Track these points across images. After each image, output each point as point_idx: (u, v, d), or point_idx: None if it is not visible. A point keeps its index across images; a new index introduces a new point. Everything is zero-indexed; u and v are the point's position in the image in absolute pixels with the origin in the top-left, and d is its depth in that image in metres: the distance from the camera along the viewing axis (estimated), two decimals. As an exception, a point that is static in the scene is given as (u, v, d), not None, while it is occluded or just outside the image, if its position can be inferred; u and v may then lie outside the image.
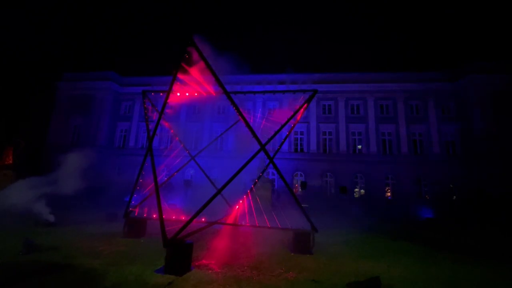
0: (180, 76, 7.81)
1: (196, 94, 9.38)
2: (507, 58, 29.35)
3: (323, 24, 66.34)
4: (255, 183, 11.31)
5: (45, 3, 57.81)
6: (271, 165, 8.52)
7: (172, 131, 12.21)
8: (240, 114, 7.37)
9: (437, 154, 24.50)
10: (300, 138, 27.31)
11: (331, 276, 5.70)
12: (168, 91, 7.68)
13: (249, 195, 10.48)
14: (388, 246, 8.93)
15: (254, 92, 10.33)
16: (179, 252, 5.67)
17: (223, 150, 26.69)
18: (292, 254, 7.48)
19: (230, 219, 10.05)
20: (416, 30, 60.31)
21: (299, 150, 27.10)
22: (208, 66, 7.14)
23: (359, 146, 26.31)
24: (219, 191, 6.70)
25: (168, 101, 7.69)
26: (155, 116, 9.77)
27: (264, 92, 10.30)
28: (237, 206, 9.95)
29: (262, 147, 7.36)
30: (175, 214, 9.61)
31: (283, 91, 9.80)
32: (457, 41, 57.51)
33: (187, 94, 9.30)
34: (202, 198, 6.78)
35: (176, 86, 8.16)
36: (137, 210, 9.37)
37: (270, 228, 8.80)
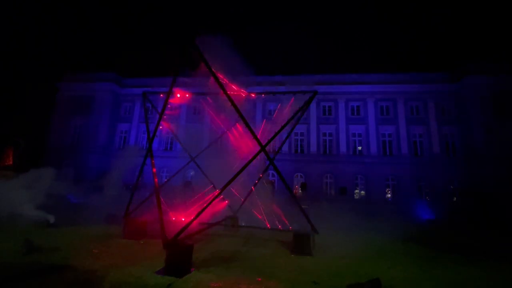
0: (181, 77, 7.82)
1: (196, 95, 9.41)
2: (507, 59, 29.36)
3: (323, 25, 66.48)
4: (255, 184, 11.29)
5: (45, 4, 57.99)
6: (271, 166, 8.52)
7: (172, 132, 12.23)
8: (240, 115, 7.37)
9: (437, 155, 24.49)
10: (300, 139, 27.30)
11: (331, 278, 5.69)
12: (168, 93, 7.69)
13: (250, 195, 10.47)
14: (388, 247, 8.91)
15: (254, 93, 10.32)
16: (179, 254, 5.66)
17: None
18: (293, 255, 7.46)
19: (230, 221, 10.05)
20: (415, 31, 60.44)
21: (299, 151, 27.09)
22: (208, 67, 7.15)
23: (359, 147, 26.30)
24: (219, 193, 6.70)
25: (168, 102, 7.71)
26: (155, 117, 9.79)
27: (264, 93, 10.31)
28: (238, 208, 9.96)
29: (263, 148, 7.36)
30: (175, 216, 9.61)
31: (283, 92, 9.81)
32: (456, 42, 57.63)
33: (187, 95, 9.33)
34: (202, 199, 6.79)
35: (176, 88, 8.18)
36: (137, 211, 9.35)
37: (270, 229, 8.80)
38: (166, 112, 8.07)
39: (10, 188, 10.81)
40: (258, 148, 7.31)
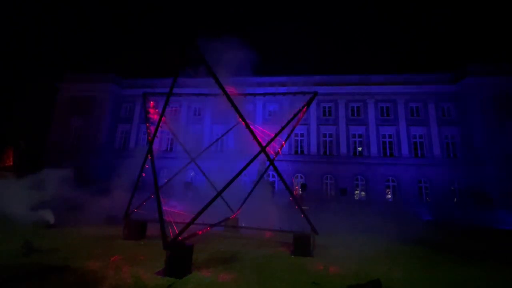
0: (181, 78, 7.83)
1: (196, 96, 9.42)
2: (507, 59, 29.41)
3: (323, 25, 66.57)
4: (254, 186, 11.28)
5: (45, 4, 58.12)
6: (271, 167, 8.51)
7: (172, 132, 12.23)
8: (241, 116, 7.38)
9: (438, 156, 24.47)
10: (301, 140, 27.28)
11: (331, 279, 5.69)
12: (169, 94, 7.69)
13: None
14: (388, 248, 8.89)
15: (255, 94, 10.33)
16: (179, 254, 5.65)
17: (224, 152, 26.64)
18: (293, 256, 7.45)
19: (230, 222, 10.04)
20: (415, 31, 60.52)
21: (299, 152, 27.07)
22: (208, 68, 7.16)
23: (360, 148, 26.29)
24: (219, 193, 6.69)
25: (168, 103, 7.70)
26: (155, 117, 9.78)
27: (264, 94, 10.31)
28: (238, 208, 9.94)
29: (263, 149, 7.36)
30: (175, 217, 9.59)
31: (284, 93, 9.81)
32: (457, 43, 57.68)
33: (187, 95, 9.34)
34: (203, 200, 6.78)
35: (177, 88, 8.18)
36: (137, 212, 9.35)
37: (270, 230, 8.78)
38: (167, 112, 8.05)
39: (11, 189, 10.81)
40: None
